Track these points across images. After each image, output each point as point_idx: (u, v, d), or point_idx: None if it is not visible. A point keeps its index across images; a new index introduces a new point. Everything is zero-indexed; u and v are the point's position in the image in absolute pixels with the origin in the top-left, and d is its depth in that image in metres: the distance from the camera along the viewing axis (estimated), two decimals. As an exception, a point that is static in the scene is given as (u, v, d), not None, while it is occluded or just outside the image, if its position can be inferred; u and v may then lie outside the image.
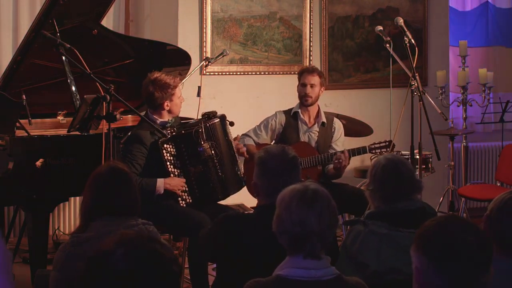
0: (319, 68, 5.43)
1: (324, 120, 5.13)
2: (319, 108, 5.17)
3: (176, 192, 4.33)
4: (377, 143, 4.94)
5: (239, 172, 4.56)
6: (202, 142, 4.34)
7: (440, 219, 1.97)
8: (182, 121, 4.68)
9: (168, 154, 4.34)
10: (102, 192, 2.87)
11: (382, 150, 4.91)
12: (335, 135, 5.15)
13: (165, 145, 4.32)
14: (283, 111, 5.18)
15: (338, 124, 5.19)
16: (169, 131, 4.38)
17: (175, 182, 4.32)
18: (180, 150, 4.36)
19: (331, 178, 5.04)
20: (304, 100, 5.07)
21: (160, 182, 4.29)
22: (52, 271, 2.84)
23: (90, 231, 2.82)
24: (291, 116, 5.13)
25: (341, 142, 5.16)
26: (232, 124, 4.58)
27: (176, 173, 4.36)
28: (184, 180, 4.35)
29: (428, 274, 1.88)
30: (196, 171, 4.36)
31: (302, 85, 5.08)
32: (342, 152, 4.87)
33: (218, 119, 4.48)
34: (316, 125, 5.12)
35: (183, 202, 4.37)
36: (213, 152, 4.37)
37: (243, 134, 5.12)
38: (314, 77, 5.07)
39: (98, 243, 2.64)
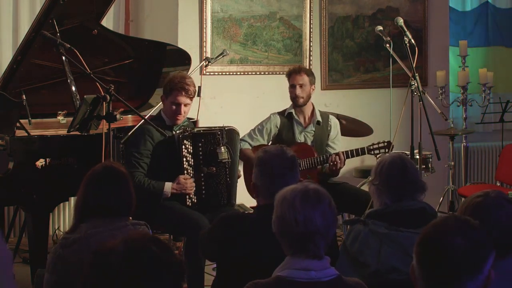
0: (307, 68, 5.41)
1: (319, 118, 5.12)
2: (313, 107, 5.16)
3: (184, 193, 4.33)
4: (376, 144, 4.93)
5: (236, 195, 4.59)
6: (221, 145, 4.38)
7: (439, 219, 1.96)
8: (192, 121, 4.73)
9: (186, 151, 4.36)
10: (94, 191, 2.84)
11: (381, 151, 4.91)
12: (332, 133, 5.14)
13: (184, 141, 4.35)
14: (278, 112, 5.18)
15: (334, 122, 5.18)
16: (186, 129, 4.40)
17: (181, 186, 4.31)
18: (197, 149, 4.39)
19: (327, 177, 5.05)
20: (296, 101, 5.07)
21: (167, 187, 4.29)
22: (45, 273, 2.84)
23: (79, 233, 2.80)
24: (285, 117, 5.13)
25: (338, 140, 5.16)
26: None
27: (189, 170, 4.39)
28: (192, 180, 4.35)
29: (416, 272, 1.88)
30: (208, 172, 4.38)
31: (291, 87, 5.08)
32: (337, 154, 4.87)
33: (234, 128, 4.56)
34: (311, 124, 5.11)
35: (189, 201, 4.38)
36: (229, 156, 4.41)
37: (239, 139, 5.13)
38: (302, 76, 5.05)
39: (86, 245, 2.67)
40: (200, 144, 4.38)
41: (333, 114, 5.38)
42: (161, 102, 4.61)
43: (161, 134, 4.30)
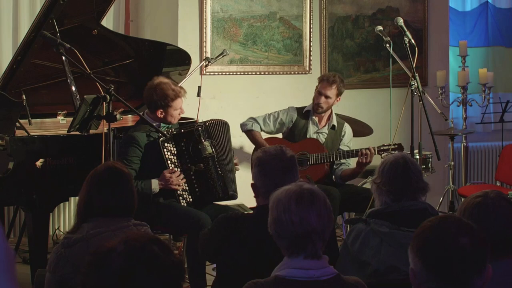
0: (340, 78, 5.17)
1: (335, 123, 5.14)
2: (331, 111, 5.17)
3: (173, 189, 4.32)
4: (386, 145, 4.93)
5: (234, 184, 4.56)
6: (203, 140, 4.37)
7: (435, 220, 1.95)
8: (180, 121, 4.70)
9: (169, 153, 4.36)
10: (97, 191, 2.85)
11: (391, 152, 4.89)
12: (344, 140, 5.15)
13: (165, 144, 4.34)
14: (296, 108, 5.20)
15: (348, 129, 5.20)
16: (169, 131, 4.40)
17: (166, 180, 4.28)
18: (180, 149, 4.38)
19: (344, 180, 5.04)
20: (315, 108, 5.07)
21: (155, 183, 4.29)
22: (46, 272, 2.85)
23: (80, 233, 2.81)
24: (303, 114, 5.14)
25: (348, 148, 5.17)
26: None
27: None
28: (178, 173, 4.33)
29: (421, 275, 1.87)
30: (196, 170, 4.38)
31: (318, 93, 5.05)
32: (368, 148, 4.84)
33: (218, 120, 4.54)
34: (326, 127, 5.13)
35: (184, 202, 4.38)
36: (213, 150, 4.39)
37: (251, 118, 5.19)
38: (331, 90, 5.02)
39: (88, 245, 2.68)
40: (182, 144, 4.38)
41: (340, 115, 5.40)
42: None
43: (162, 135, 4.31)
